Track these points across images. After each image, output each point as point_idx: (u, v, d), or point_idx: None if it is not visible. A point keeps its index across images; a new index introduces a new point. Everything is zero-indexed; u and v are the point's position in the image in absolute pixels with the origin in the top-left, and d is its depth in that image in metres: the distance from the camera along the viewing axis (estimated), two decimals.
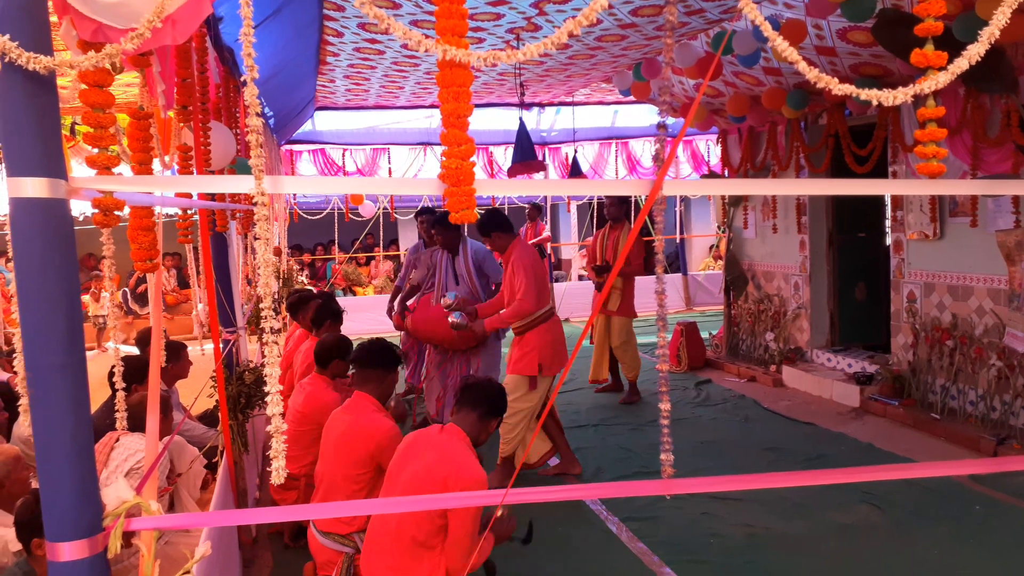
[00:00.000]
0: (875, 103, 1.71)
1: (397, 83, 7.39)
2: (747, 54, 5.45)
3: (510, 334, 5.08)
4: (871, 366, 6.59)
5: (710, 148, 11.11)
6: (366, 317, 10.84)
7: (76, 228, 1.55)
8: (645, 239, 10.14)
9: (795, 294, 7.58)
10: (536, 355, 4.70)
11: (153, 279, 2.30)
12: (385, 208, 12.76)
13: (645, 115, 10.45)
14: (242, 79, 4.35)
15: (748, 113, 6.94)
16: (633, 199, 13.33)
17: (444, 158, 1.63)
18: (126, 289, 11.66)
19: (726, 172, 8.56)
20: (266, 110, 6.36)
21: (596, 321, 6.84)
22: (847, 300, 7.42)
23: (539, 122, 10.48)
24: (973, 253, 5.55)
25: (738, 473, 4.65)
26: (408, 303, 6.28)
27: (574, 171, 9.09)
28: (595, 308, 4.02)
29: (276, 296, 7.21)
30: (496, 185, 4.42)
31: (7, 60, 1.37)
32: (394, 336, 7.99)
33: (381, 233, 13.57)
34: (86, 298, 10.43)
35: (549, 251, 12.20)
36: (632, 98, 7.75)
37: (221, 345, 3.56)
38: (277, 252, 8.59)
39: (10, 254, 1.49)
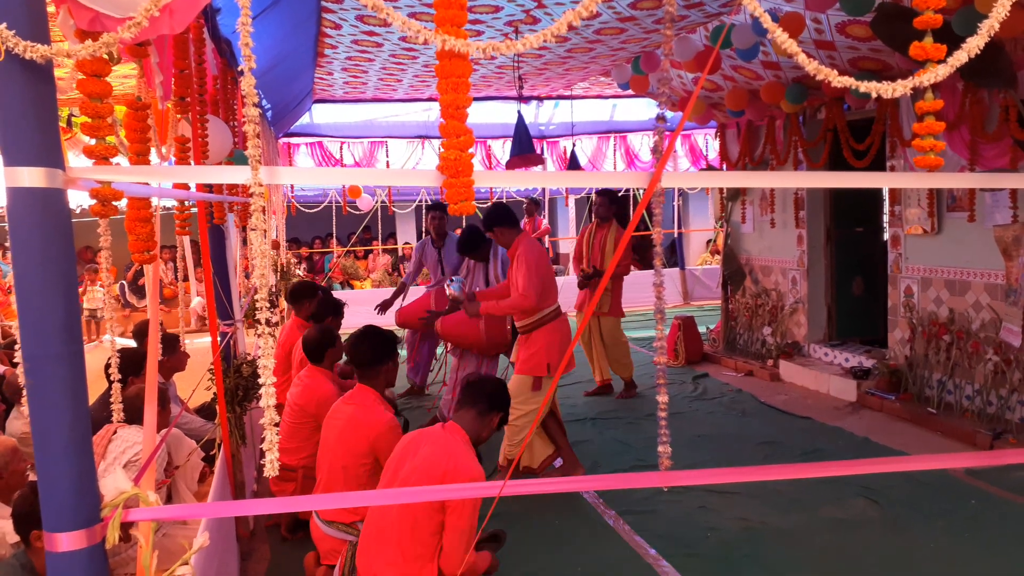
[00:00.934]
0: (874, 96, 1.71)
1: (395, 76, 7.37)
2: (746, 48, 5.45)
3: None
4: (868, 360, 6.61)
5: (708, 142, 11.10)
6: (364, 311, 10.84)
7: (72, 221, 1.55)
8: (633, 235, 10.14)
9: (793, 288, 7.59)
10: (544, 355, 4.58)
11: (151, 271, 2.29)
12: (383, 201, 12.75)
13: (644, 109, 10.42)
14: (239, 69, 4.33)
15: (747, 107, 6.93)
16: (631, 195, 13.38)
17: (443, 150, 1.63)
18: (123, 282, 11.64)
19: (724, 166, 8.56)
20: (263, 103, 6.34)
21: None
22: (844, 295, 7.43)
23: (537, 116, 10.45)
24: (970, 248, 5.56)
25: (735, 466, 4.67)
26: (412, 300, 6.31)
27: (572, 165, 9.08)
28: (588, 310, 4.01)
29: (273, 289, 7.21)
30: (494, 177, 4.39)
31: (4, 49, 1.37)
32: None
33: (379, 226, 13.57)
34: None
35: (548, 245, 12.21)
36: (631, 92, 7.73)
37: (219, 338, 3.56)
38: (275, 245, 8.58)
39: (7, 246, 1.49)
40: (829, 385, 6.65)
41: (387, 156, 10.36)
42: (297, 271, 11.73)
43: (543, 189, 13.26)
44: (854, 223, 7.46)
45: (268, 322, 1.61)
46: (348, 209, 12.08)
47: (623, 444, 5.54)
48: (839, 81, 1.71)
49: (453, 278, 5.31)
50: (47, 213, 1.47)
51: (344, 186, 11.55)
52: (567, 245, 15.02)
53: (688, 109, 1.93)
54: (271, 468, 1.62)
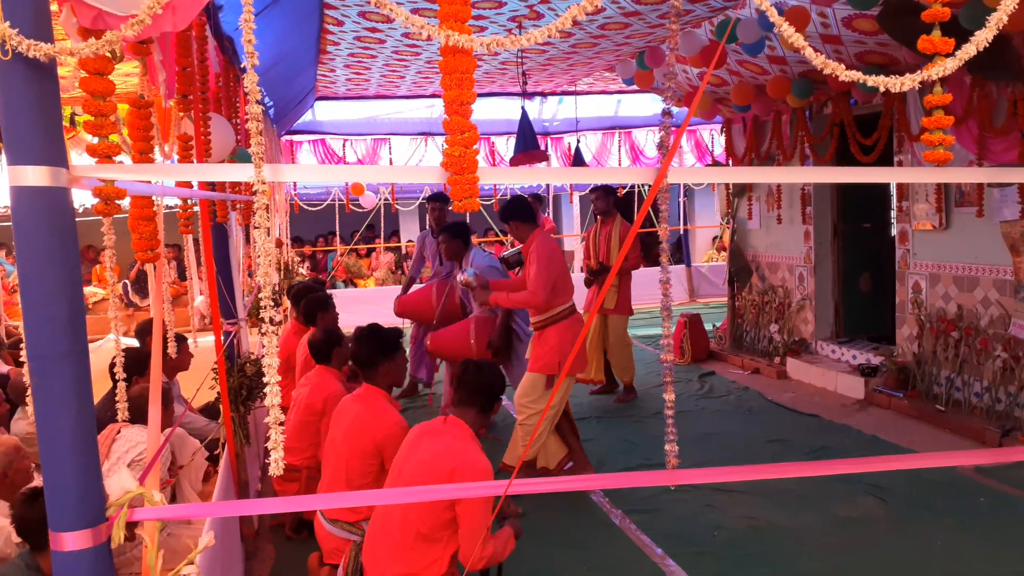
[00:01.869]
0: (881, 90, 1.69)
1: (398, 72, 7.36)
2: (751, 42, 5.42)
3: None
4: (876, 358, 6.58)
5: (714, 138, 11.06)
6: (368, 310, 10.82)
7: (76, 220, 1.54)
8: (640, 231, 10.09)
9: (799, 285, 7.56)
10: (555, 353, 4.54)
11: (155, 270, 2.29)
12: (386, 199, 12.74)
13: (649, 104, 10.38)
14: (242, 66, 4.33)
15: (752, 102, 6.89)
16: (636, 192, 13.35)
17: (446, 146, 1.62)
18: (126, 281, 11.66)
19: (730, 162, 8.52)
20: (266, 100, 6.34)
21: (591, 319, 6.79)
22: (852, 291, 7.39)
23: (541, 112, 10.43)
24: (979, 243, 5.52)
25: (742, 465, 4.65)
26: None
27: (577, 161, 9.07)
28: (594, 308, 3.98)
29: (277, 287, 7.21)
30: (499, 173, 4.37)
31: (8, 48, 1.36)
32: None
33: (382, 224, 13.54)
34: (86, 290, 10.44)
35: None
36: (635, 87, 7.71)
37: (222, 337, 3.56)
38: (278, 244, 8.58)
39: (12, 245, 1.49)
40: (837, 382, 6.62)
41: (390, 153, 10.35)
42: (301, 269, 11.74)
43: (547, 186, 13.24)
44: (861, 219, 7.42)
45: (272, 321, 1.61)
46: (351, 207, 12.05)
47: (629, 442, 5.52)
48: (846, 75, 1.70)
49: (466, 269, 5.32)
50: (51, 212, 1.47)
51: (347, 184, 11.54)
52: (571, 243, 14.99)
53: (694, 104, 1.92)
54: (276, 467, 1.61)
